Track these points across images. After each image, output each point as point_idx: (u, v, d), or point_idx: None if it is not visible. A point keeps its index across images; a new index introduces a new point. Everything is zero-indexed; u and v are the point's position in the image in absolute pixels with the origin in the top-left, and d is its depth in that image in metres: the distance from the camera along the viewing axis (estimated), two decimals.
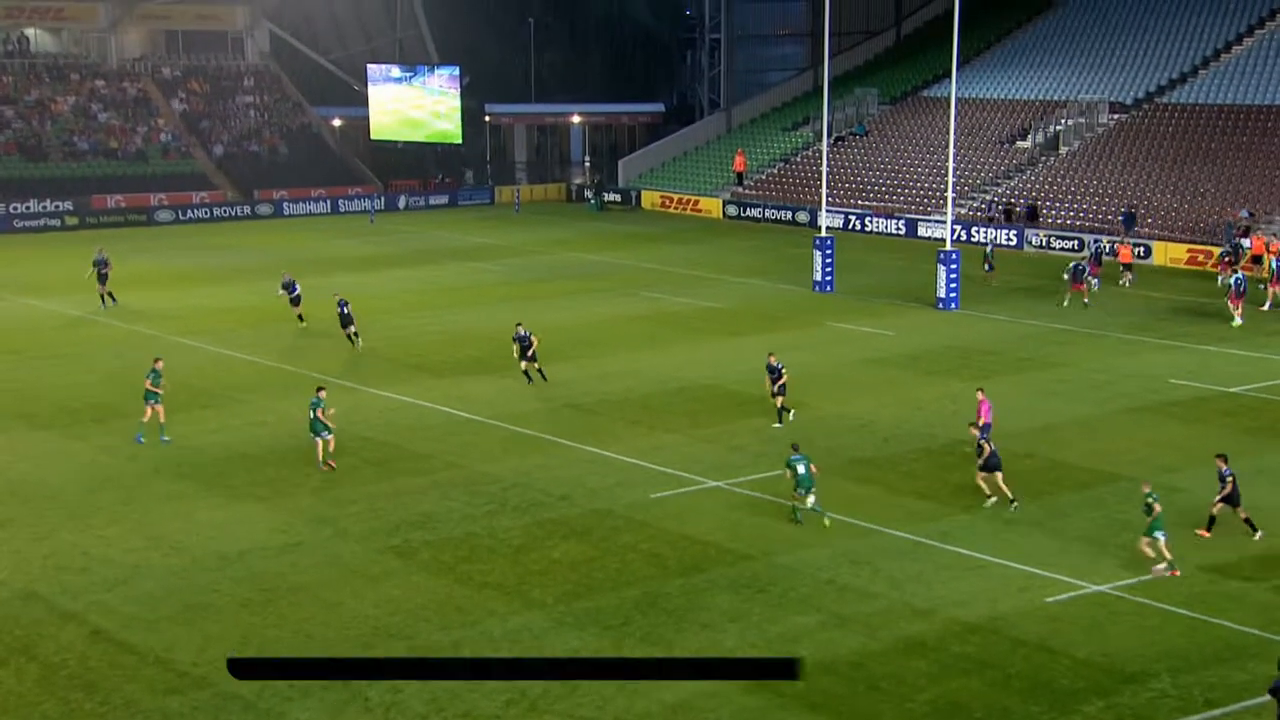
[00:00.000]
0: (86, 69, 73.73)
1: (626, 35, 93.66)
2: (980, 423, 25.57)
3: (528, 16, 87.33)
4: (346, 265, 53.09)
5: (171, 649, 18.72)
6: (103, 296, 42.65)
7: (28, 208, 62.98)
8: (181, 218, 65.81)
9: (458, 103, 74.53)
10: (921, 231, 58.77)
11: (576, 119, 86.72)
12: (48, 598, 20.36)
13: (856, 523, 23.42)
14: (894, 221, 60.51)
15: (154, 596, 20.50)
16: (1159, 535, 20.68)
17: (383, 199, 71.16)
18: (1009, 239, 55.91)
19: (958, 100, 44.52)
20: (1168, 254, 50.12)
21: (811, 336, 39.21)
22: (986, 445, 23.83)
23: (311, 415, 26.37)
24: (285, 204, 69.08)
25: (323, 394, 26.91)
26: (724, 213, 67.89)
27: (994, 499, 23.81)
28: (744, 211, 66.92)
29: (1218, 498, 22.23)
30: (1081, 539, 22.50)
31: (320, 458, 26.27)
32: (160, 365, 28.72)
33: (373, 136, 78.16)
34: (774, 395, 29.03)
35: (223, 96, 75.60)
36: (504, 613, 19.89)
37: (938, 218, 57.80)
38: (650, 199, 72.17)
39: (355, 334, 36.64)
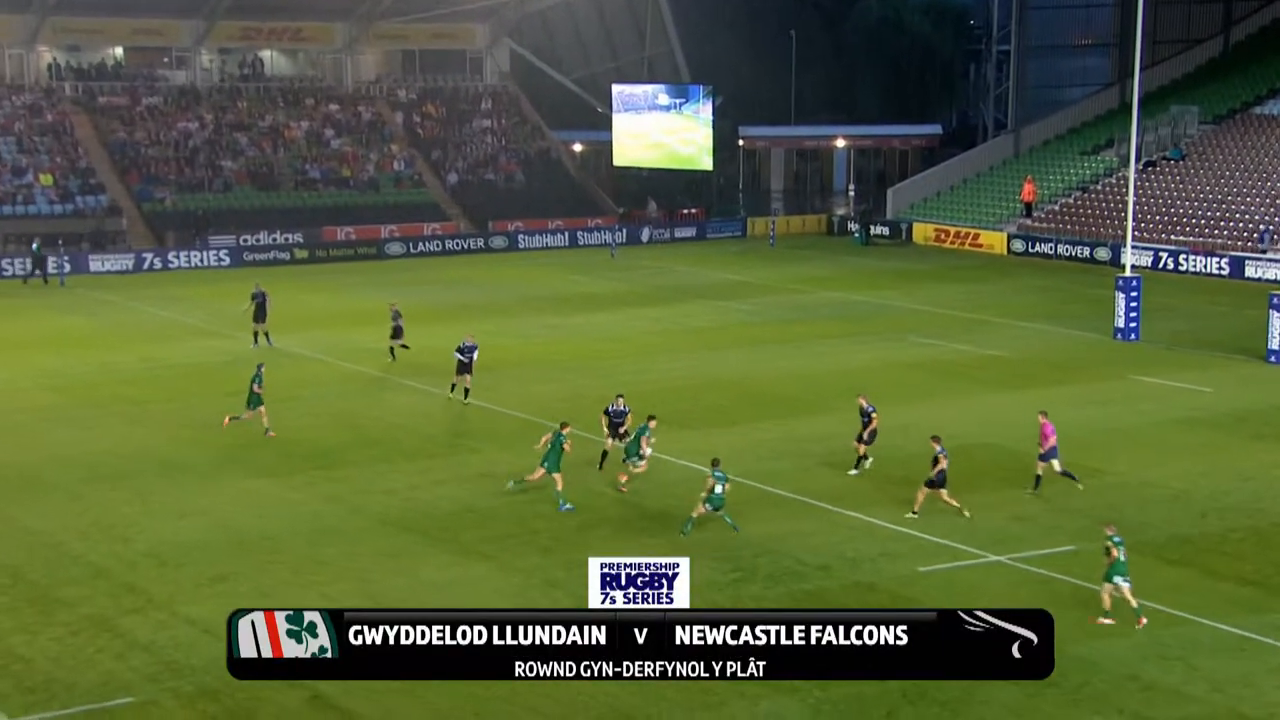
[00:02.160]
0: (321, 93, 78.32)
1: (901, 49, 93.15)
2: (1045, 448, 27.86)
3: (789, 29, 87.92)
4: (583, 304, 54.19)
5: (392, 716, 19.29)
6: (256, 335, 44.77)
7: (258, 240, 67.09)
8: (412, 250, 68.76)
9: (709, 126, 75.48)
10: (1250, 272, 55.94)
11: (841, 142, 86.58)
12: None
13: (1167, 610, 22.27)
14: (1215, 260, 57.82)
15: None
16: (1120, 581, 21.45)
17: (624, 231, 72.58)
18: None
19: None
20: None
21: (1112, 390, 37.73)
22: (943, 459, 26.21)
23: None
24: (521, 236, 71.33)
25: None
26: (1009, 248, 66.36)
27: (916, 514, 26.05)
28: (1032, 247, 65.25)
29: None
30: None
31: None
32: (263, 369, 33.42)
33: (616, 163, 79.93)
34: (859, 440, 29.69)
35: (459, 120, 78.89)
36: (754, 695, 19.73)
37: (1272, 256, 54.90)
38: (923, 232, 71.24)
39: (399, 347, 40.51)
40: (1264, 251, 57.34)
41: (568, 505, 27.86)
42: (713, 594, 23.51)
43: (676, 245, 72.51)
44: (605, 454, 30.49)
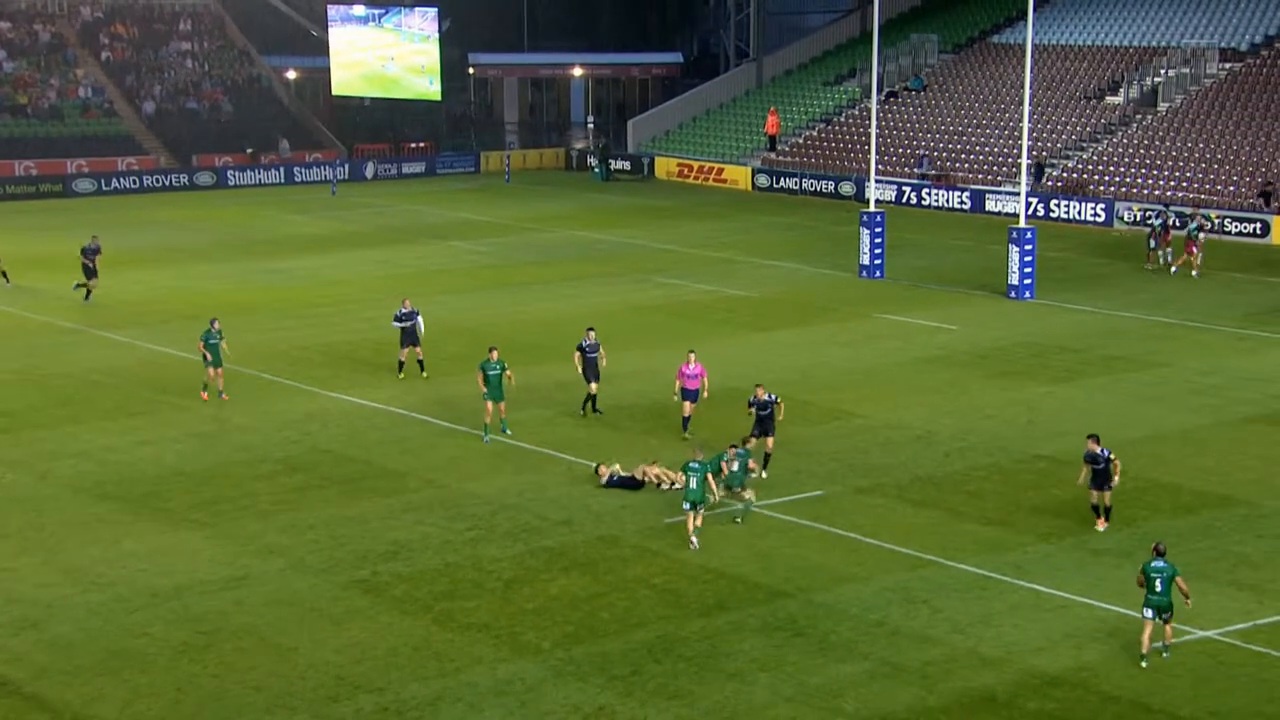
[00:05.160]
0: None
1: None
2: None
3: None
4: (303, 246, 53.15)
5: (92, 704, 18.70)
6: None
7: None
8: (105, 188, 66.06)
9: (436, 52, 74.56)
10: (990, 205, 58.70)
11: (578, 72, 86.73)
12: None
13: (911, 553, 23.35)
14: (957, 194, 60.43)
15: (71, 642, 20.48)
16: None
17: (347, 167, 71.27)
18: (1094, 214, 55.78)
19: (1035, 47, 44.36)
20: None
21: (858, 330, 39.15)
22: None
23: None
24: (230, 172, 69.22)
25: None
26: (753, 183, 67.89)
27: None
28: (777, 182, 66.90)
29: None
30: (1186, 574, 22.39)
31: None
32: (217, 325, 31.91)
33: (335, 93, 78.23)
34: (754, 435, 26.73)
35: (155, 42, 75.82)
36: (492, 660, 19.86)
37: (1010, 189, 57.69)
38: (665, 167, 72.18)
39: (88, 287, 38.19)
40: (924, 176, 60.42)
41: (491, 438, 28.75)
42: (448, 554, 23.51)
43: (404, 182, 71.66)
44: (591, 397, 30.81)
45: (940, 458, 28.08)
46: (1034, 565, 22.79)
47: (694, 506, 23.68)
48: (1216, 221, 50.33)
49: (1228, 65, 62.38)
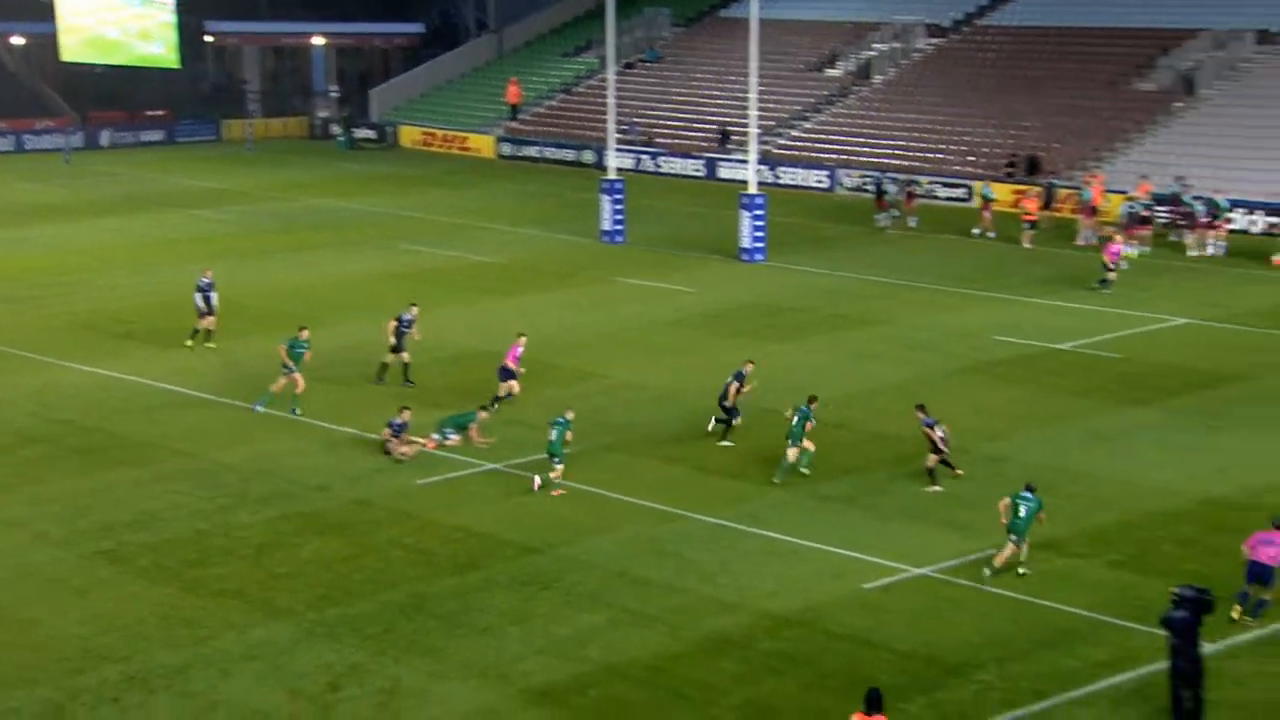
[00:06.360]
0: None
1: None
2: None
3: None
4: (37, 215, 50.80)
5: None
6: None
7: None
8: None
9: (171, 18, 71.88)
10: (723, 173, 59.84)
11: (319, 41, 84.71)
12: None
13: (655, 506, 23.80)
14: (692, 162, 61.41)
15: None
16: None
17: (81, 134, 68.25)
18: (819, 181, 57.46)
19: (760, 21, 45.30)
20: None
21: (600, 294, 39.54)
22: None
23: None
24: None
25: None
26: (497, 152, 67.67)
27: None
28: (520, 150, 66.84)
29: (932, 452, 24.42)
30: (903, 517, 23.44)
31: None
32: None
33: (64, 58, 74.66)
34: (722, 407, 26.95)
35: None
36: (243, 625, 19.51)
37: (740, 157, 58.89)
38: (410, 135, 71.34)
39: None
40: (632, 142, 61.39)
41: (264, 409, 28.13)
42: (198, 522, 22.96)
43: (142, 150, 69.08)
44: (385, 366, 30.19)
45: (681, 415, 28.62)
46: (769, 514, 23.50)
47: (552, 457, 24.38)
48: (928, 187, 52.41)
49: (934, 40, 64.90)
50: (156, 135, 70.85)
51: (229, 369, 31.39)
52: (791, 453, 24.88)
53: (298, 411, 28.08)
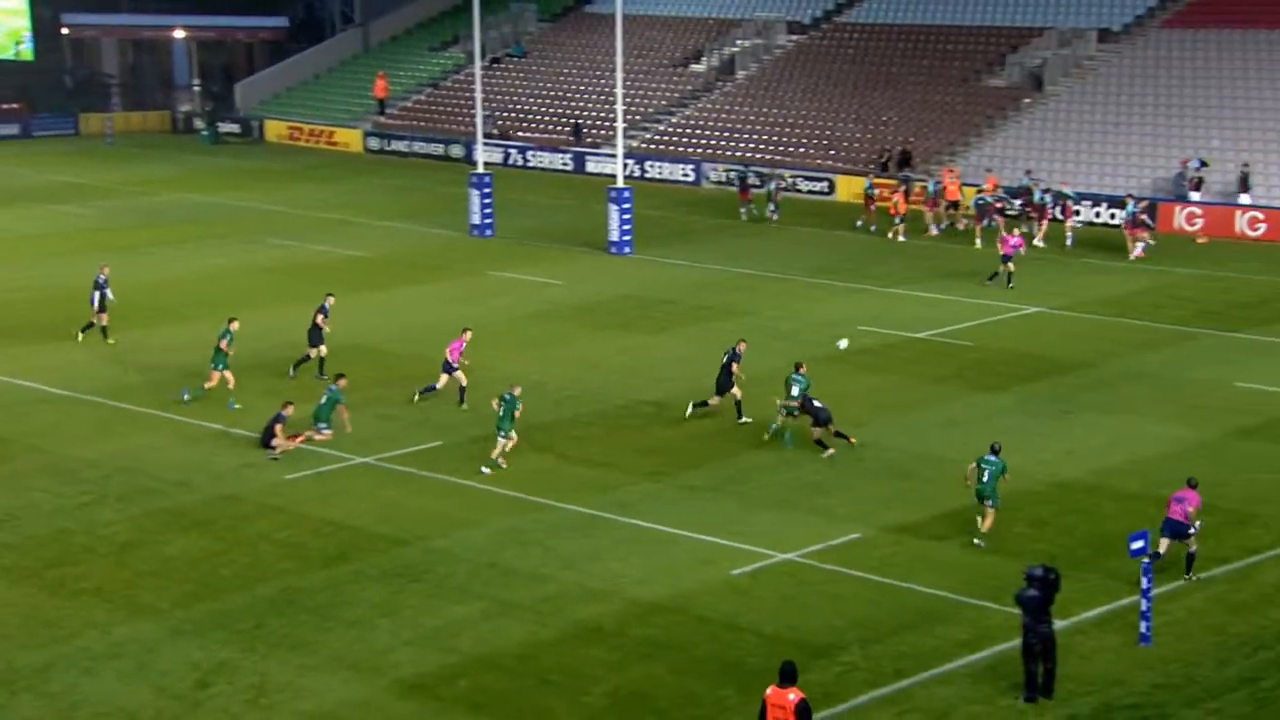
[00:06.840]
0: None
1: None
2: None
3: None
4: None
5: None
6: None
7: None
8: None
9: (25, 9, 69.88)
10: (590, 167, 59.89)
11: (180, 34, 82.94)
12: None
13: (523, 497, 23.79)
14: (559, 156, 61.37)
15: None
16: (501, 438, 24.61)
17: None
18: (685, 174, 57.78)
19: (625, 17, 45.41)
20: (851, 188, 53.04)
21: (471, 287, 39.37)
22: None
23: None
24: None
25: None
26: (365, 146, 66.98)
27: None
28: (388, 144, 66.24)
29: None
30: (768, 504, 23.71)
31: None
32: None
33: None
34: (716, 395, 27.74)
35: None
36: (106, 624, 19.10)
37: (608, 151, 58.99)
38: (276, 130, 70.26)
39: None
40: (488, 135, 61.22)
41: (190, 398, 27.99)
42: (61, 521, 22.40)
43: None
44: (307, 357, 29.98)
45: (551, 406, 28.63)
46: (638, 503, 23.62)
47: (504, 434, 24.89)
48: (790, 180, 53.00)
49: (795, 37, 65.61)
50: (11, 129, 68.93)
51: (94, 365, 30.66)
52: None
53: (235, 405, 27.85)
